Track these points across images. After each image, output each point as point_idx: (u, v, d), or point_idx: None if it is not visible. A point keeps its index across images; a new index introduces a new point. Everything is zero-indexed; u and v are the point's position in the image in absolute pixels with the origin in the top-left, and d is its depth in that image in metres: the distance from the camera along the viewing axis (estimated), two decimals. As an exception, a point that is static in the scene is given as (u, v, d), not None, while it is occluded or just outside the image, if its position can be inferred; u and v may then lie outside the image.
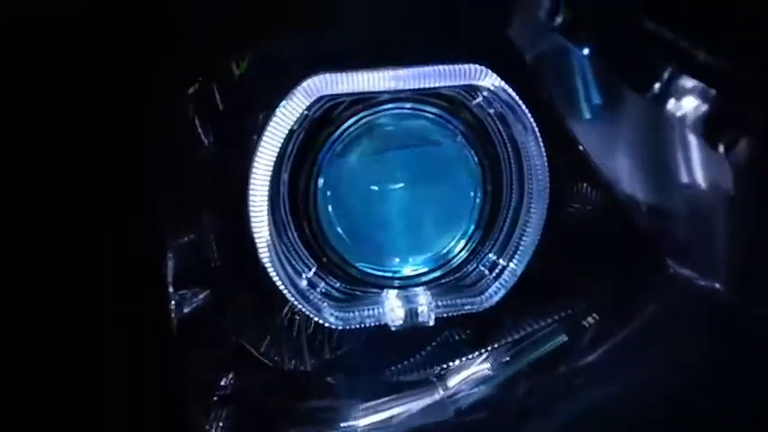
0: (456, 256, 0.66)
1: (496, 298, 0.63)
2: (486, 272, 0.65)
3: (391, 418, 0.62)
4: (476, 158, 0.64)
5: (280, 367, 0.64)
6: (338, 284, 0.64)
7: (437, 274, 0.65)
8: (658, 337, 0.61)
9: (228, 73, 0.62)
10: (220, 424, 0.60)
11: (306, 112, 0.58)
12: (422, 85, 0.59)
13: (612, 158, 0.61)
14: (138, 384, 0.60)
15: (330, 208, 0.63)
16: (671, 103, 0.56)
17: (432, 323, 0.62)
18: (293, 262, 0.63)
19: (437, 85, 0.59)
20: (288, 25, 0.61)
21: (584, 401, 0.60)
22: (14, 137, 0.57)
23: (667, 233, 0.61)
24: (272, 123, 0.57)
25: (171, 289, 0.62)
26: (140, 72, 0.59)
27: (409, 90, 0.59)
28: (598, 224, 0.64)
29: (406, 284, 0.65)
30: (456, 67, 0.59)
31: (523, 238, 0.63)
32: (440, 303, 0.63)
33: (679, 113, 0.56)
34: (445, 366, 0.64)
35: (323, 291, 0.64)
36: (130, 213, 0.60)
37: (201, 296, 0.63)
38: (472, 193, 0.65)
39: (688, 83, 0.55)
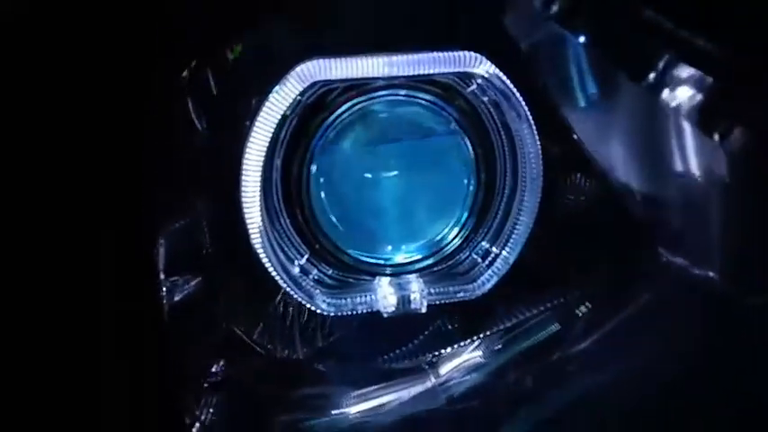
0: (449, 243, 0.64)
1: (489, 285, 0.62)
2: (479, 260, 0.64)
3: (383, 405, 0.62)
4: (470, 146, 0.63)
5: (272, 354, 0.63)
6: (331, 271, 0.63)
7: (430, 261, 0.64)
8: (651, 326, 0.60)
9: (222, 58, 0.61)
10: (210, 410, 0.60)
11: (299, 97, 0.57)
12: (416, 72, 0.57)
13: (607, 147, 0.61)
14: (130, 371, 0.60)
15: (323, 194, 0.62)
16: (666, 92, 0.55)
17: (424, 310, 0.61)
18: (286, 249, 0.62)
19: (431, 71, 0.58)
20: (283, 11, 0.60)
21: (577, 389, 0.59)
22: (10, 126, 0.57)
23: (661, 222, 0.60)
24: (265, 108, 0.56)
25: (162, 276, 0.61)
26: (134, 58, 0.58)
27: (403, 77, 0.58)
28: (592, 213, 0.63)
29: (398, 272, 0.64)
30: (450, 54, 0.57)
31: (517, 227, 0.62)
32: (432, 291, 0.62)
33: (674, 102, 0.55)
34: (437, 354, 0.63)
35: (315, 278, 0.63)
36: (124, 200, 0.60)
37: (193, 283, 0.62)
38: (466, 181, 0.64)
39: (684, 71, 0.55)
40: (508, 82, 0.59)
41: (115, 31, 0.57)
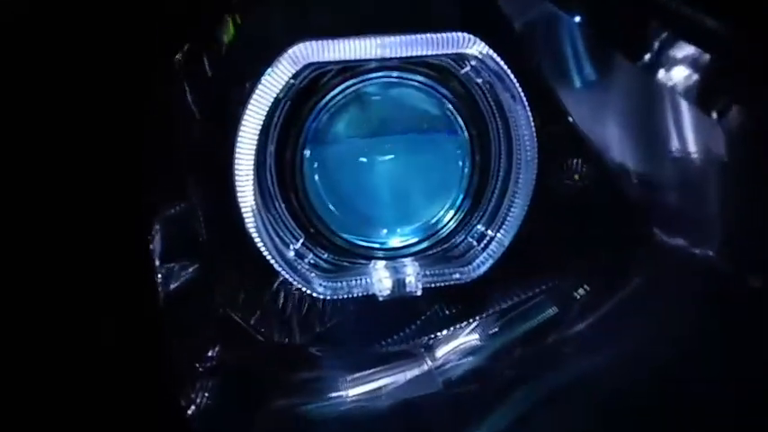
0: (444, 226, 0.63)
1: (484, 268, 0.60)
2: (475, 243, 0.62)
3: (379, 388, 0.60)
4: (464, 128, 0.61)
5: (269, 340, 0.61)
6: (326, 255, 0.62)
7: (425, 245, 0.63)
8: (648, 308, 0.59)
9: (217, 42, 0.59)
10: (206, 394, 0.58)
11: (292, 81, 0.55)
12: (409, 53, 0.56)
13: (602, 128, 0.59)
14: (126, 356, 0.58)
15: (317, 178, 0.60)
16: (663, 71, 0.53)
17: (419, 293, 0.60)
18: (281, 233, 0.60)
19: (424, 53, 0.56)
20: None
21: (574, 371, 0.57)
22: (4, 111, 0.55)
23: (658, 202, 0.58)
24: (257, 91, 0.54)
25: (158, 262, 0.59)
26: (129, 42, 0.56)
27: (396, 58, 0.56)
28: (587, 194, 0.61)
29: (394, 255, 0.62)
30: (443, 35, 0.55)
31: (512, 209, 0.60)
32: (427, 273, 0.60)
33: (671, 81, 0.53)
34: (433, 336, 0.62)
35: (311, 262, 0.61)
36: (120, 186, 0.58)
37: (190, 269, 0.61)
38: (460, 163, 0.62)
39: (681, 50, 0.52)
40: (502, 63, 0.57)
41: (109, 15, 0.55)
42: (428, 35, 0.55)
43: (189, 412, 0.57)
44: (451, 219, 0.62)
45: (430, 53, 0.56)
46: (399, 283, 0.59)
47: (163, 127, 0.59)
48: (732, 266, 0.54)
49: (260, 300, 0.61)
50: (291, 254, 0.60)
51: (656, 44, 0.54)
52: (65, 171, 0.57)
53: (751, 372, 0.53)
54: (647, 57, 0.54)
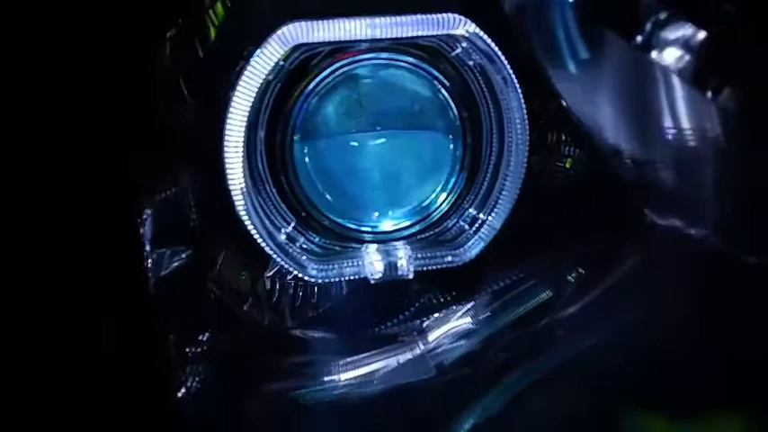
0: (436, 209, 0.61)
1: (476, 251, 0.58)
2: (466, 226, 0.60)
3: (372, 373, 0.58)
4: (455, 110, 0.59)
5: (260, 324, 0.60)
6: (317, 239, 0.60)
7: (417, 228, 0.61)
8: (642, 289, 0.57)
9: (206, 24, 0.57)
10: (197, 378, 0.56)
11: (282, 62, 0.54)
12: (399, 34, 0.54)
13: (595, 108, 0.57)
14: (117, 340, 0.59)
15: (307, 161, 0.58)
16: (657, 50, 0.52)
17: (411, 276, 0.58)
18: (272, 217, 0.58)
19: (414, 33, 0.54)
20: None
21: (567, 354, 0.56)
22: None
23: (651, 183, 0.57)
24: (246, 72, 0.52)
25: (148, 247, 0.58)
26: (117, 25, 0.56)
27: (387, 39, 0.54)
28: (579, 177, 0.60)
29: (385, 239, 0.60)
30: (434, 15, 0.54)
31: (503, 192, 0.58)
32: (419, 256, 0.58)
33: (665, 60, 0.52)
34: (425, 320, 0.60)
35: (302, 245, 0.59)
36: (110, 171, 0.58)
37: (180, 255, 0.59)
38: (452, 146, 0.60)
39: (676, 27, 0.51)
40: (492, 44, 0.55)
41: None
42: (419, 16, 0.53)
43: (180, 396, 0.55)
44: (443, 201, 0.61)
45: (421, 33, 0.54)
46: (391, 266, 0.58)
47: (153, 110, 0.57)
48: (727, 246, 0.53)
49: (252, 284, 0.60)
50: (283, 237, 0.58)
51: (650, 23, 0.52)
52: (52, 156, 0.56)
53: (745, 352, 0.52)
54: (641, 35, 0.52)
